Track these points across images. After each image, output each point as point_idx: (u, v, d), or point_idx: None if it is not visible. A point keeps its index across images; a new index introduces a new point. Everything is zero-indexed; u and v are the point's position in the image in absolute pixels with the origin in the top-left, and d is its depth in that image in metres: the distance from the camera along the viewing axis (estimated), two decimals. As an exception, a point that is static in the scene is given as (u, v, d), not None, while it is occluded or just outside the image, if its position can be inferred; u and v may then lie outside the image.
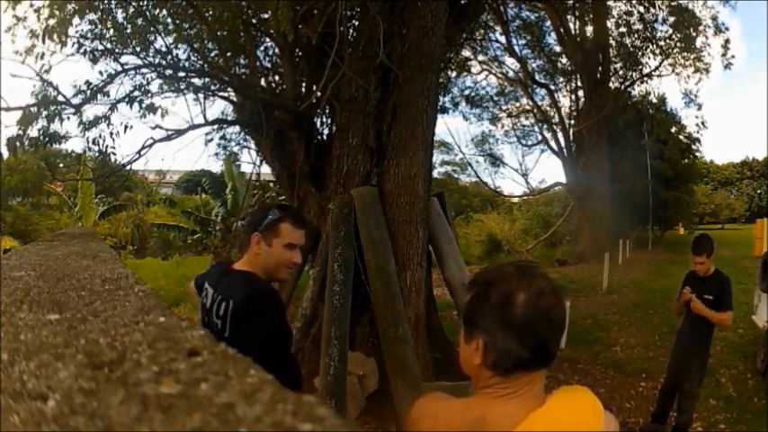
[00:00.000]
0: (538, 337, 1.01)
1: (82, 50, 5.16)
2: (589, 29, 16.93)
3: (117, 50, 5.30)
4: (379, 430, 4.23)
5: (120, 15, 5.42)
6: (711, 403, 4.83)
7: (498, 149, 21.66)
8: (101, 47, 5.27)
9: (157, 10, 5.70)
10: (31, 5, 5.17)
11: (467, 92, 17.00)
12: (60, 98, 4.82)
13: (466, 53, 13.64)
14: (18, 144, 4.60)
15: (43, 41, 4.88)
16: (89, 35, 5.30)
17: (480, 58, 16.25)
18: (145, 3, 5.56)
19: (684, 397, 4.03)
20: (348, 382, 4.27)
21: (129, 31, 5.34)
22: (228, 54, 6.01)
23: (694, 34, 13.84)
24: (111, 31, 5.37)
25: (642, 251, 18.36)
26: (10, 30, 5.29)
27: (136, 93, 5.20)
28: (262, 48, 6.39)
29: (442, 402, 1.12)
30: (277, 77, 6.27)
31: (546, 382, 1.08)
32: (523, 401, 1.02)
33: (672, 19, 13.72)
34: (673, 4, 13.24)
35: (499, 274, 1.06)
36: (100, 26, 5.29)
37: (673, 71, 16.12)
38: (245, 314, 1.76)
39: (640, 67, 16.25)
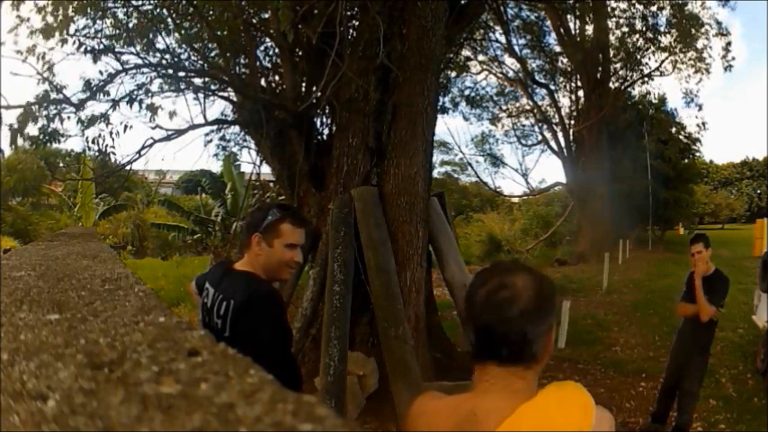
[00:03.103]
0: (480, 325, 1.07)
1: (82, 49, 5.16)
2: (589, 29, 16.93)
3: (117, 49, 5.30)
4: (379, 430, 4.23)
5: (120, 12, 5.42)
6: (711, 403, 4.82)
7: (498, 149, 21.65)
8: (100, 45, 5.27)
9: (157, 9, 5.70)
10: (36, 5, 5.17)
11: (467, 92, 17.00)
12: (60, 96, 4.82)
13: (466, 53, 13.63)
14: (19, 137, 4.59)
15: (46, 39, 4.88)
16: (89, 32, 5.30)
17: (480, 58, 16.24)
18: (144, 2, 5.57)
19: (684, 396, 4.03)
20: (348, 382, 4.27)
21: (130, 27, 5.34)
22: (228, 54, 6.00)
23: (694, 31, 13.81)
24: (111, 29, 5.37)
25: (642, 251, 18.35)
26: (13, 30, 5.30)
27: (136, 92, 5.21)
28: (262, 48, 6.39)
29: (438, 400, 1.16)
30: (277, 77, 6.27)
31: (544, 381, 1.09)
32: (511, 396, 1.03)
33: (674, 20, 13.70)
34: (673, 3, 13.23)
35: (482, 270, 1.14)
36: (100, 23, 5.29)
37: (673, 69, 16.13)
38: (246, 314, 1.76)
39: (641, 67, 16.25)
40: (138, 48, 5.44)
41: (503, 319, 1.04)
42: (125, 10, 5.46)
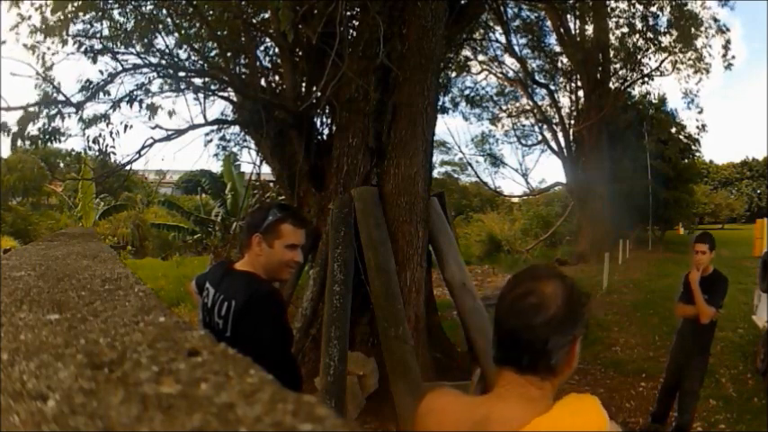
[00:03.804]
0: (504, 330, 1.06)
1: (82, 49, 5.16)
2: (589, 29, 16.94)
3: (116, 49, 5.30)
4: (379, 430, 4.23)
5: (116, 13, 5.42)
6: (711, 403, 4.82)
7: (498, 149, 21.63)
8: (99, 45, 5.27)
9: (156, 10, 5.70)
10: (33, 5, 5.17)
11: (467, 92, 16.98)
12: (61, 97, 4.83)
13: (466, 53, 13.62)
14: (19, 141, 4.61)
15: (45, 38, 4.89)
16: (88, 33, 5.30)
17: (480, 58, 16.23)
18: (144, 2, 5.57)
19: (685, 396, 4.02)
20: (348, 382, 4.27)
21: (129, 28, 5.35)
22: (228, 54, 6.00)
23: (693, 29, 13.79)
24: (110, 29, 5.37)
25: (642, 251, 18.34)
26: (14, 29, 5.30)
27: (137, 92, 5.22)
28: (262, 48, 6.39)
29: (451, 398, 1.14)
30: (277, 77, 6.27)
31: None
32: (527, 405, 1.03)
33: (674, 20, 13.70)
34: (673, 3, 13.22)
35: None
36: (99, 24, 5.30)
37: (673, 69, 16.12)
38: (247, 314, 1.77)
39: (641, 67, 16.24)
40: (138, 48, 5.44)
41: (527, 326, 1.03)
42: (123, 10, 5.46)
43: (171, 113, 5.30)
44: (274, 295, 1.88)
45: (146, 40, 5.47)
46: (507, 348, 1.06)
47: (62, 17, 4.93)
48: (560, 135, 18.46)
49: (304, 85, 5.51)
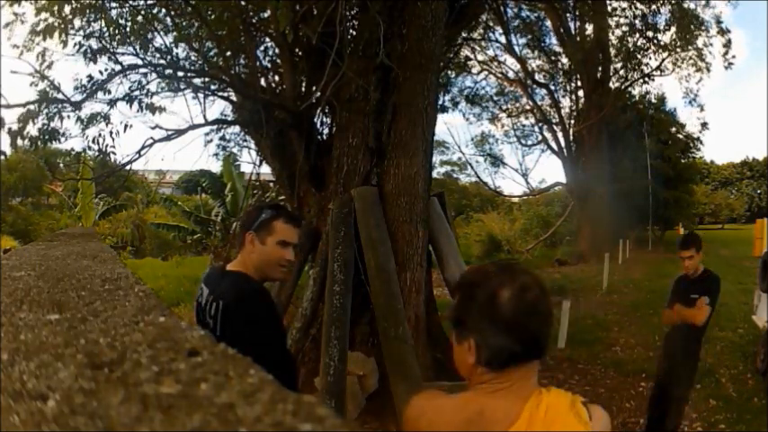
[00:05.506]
0: (527, 330, 1.04)
1: (82, 50, 5.16)
2: (589, 28, 16.94)
3: (115, 49, 5.30)
4: (379, 430, 4.23)
5: (114, 12, 5.42)
6: (711, 403, 4.82)
7: (498, 149, 21.65)
8: (98, 45, 5.27)
9: (155, 9, 5.69)
10: (32, 3, 5.16)
11: (466, 92, 16.97)
12: (60, 96, 4.82)
13: (466, 53, 13.63)
14: (18, 139, 4.61)
15: (44, 39, 4.89)
16: (87, 32, 5.30)
17: (480, 58, 16.26)
18: (143, 2, 5.56)
19: (674, 401, 3.95)
20: (348, 382, 4.27)
21: (128, 29, 5.34)
22: (228, 54, 6.00)
23: (693, 27, 13.77)
24: (108, 29, 5.37)
25: (642, 251, 18.37)
26: (8, 27, 5.29)
27: (136, 92, 5.22)
28: (262, 48, 6.39)
29: (440, 399, 1.14)
30: (277, 77, 6.27)
31: (545, 381, 1.09)
32: (519, 395, 1.04)
33: (673, 18, 13.70)
34: (673, 2, 13.23)
35: (482, 275, 1.10)
36: (99, 24, 5.29)
37: (674, 69, 16.13)
38: (233, 314, 1.77)
39: (641, 67, 16.23)
40: (137, 47, 5.44)
41: (546, 319, 1.06)
42: (122, 10, 5.45)
43: (161, 109, 5.28)
44: (261, 294, 1.87)
45: (143, 39, 5.45)
46: (524, 346, 1.04)
47: (61, 21, 4.91)
48: (560, 135, 18.48)
49: (304, 85, 5.51)
